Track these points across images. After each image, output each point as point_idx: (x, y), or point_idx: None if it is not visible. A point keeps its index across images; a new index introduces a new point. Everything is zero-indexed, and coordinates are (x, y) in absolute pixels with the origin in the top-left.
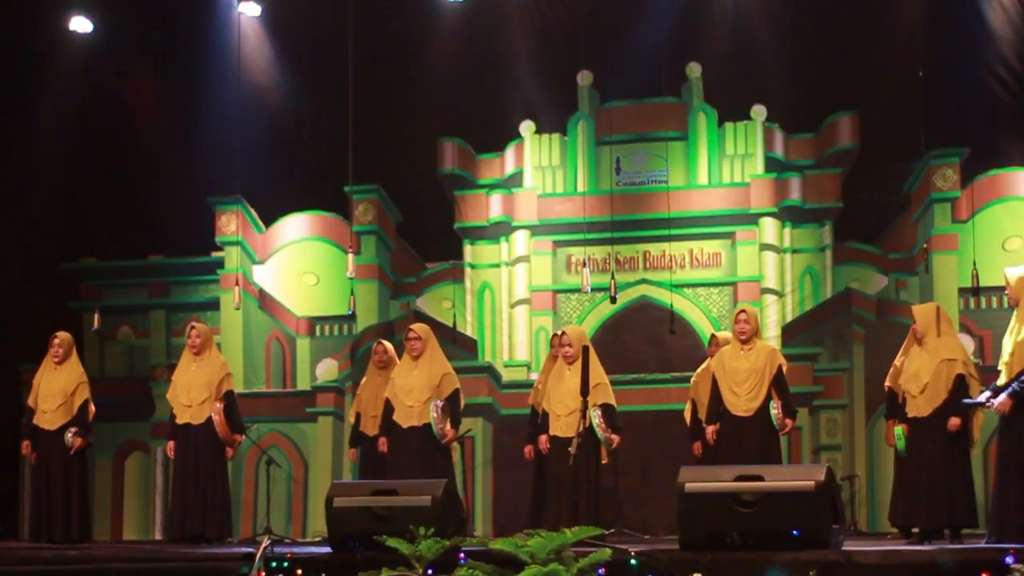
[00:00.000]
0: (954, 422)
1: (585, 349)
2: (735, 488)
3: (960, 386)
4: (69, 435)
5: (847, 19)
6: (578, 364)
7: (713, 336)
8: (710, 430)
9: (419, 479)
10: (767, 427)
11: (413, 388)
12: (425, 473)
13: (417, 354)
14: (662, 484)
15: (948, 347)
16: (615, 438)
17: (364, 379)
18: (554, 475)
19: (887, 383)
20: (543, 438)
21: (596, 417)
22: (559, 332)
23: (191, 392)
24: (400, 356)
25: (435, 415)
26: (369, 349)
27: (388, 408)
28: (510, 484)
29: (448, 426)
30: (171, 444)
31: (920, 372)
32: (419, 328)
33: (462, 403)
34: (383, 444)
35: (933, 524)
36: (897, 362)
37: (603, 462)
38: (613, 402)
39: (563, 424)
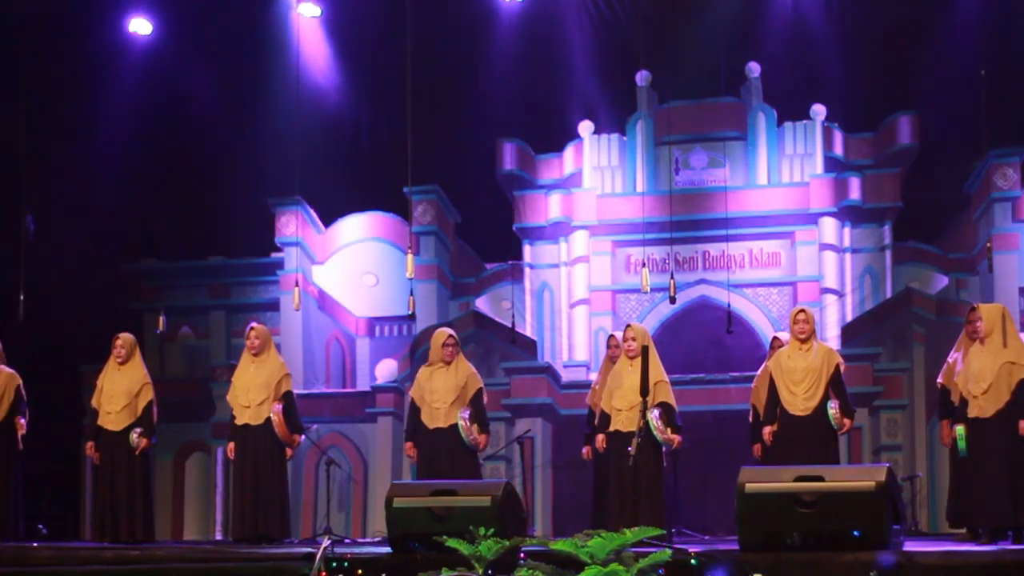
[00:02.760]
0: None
1: (645, 348)
2: (795, 488)
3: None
4: (134, 436)
5: (907, 18)
6: (639, 361)
7: (774, 338)
8: (767, 431)
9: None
10: (825, 427)
11: (438, 390)
12: (452, 475)
13: (450, 359)
14: (722, 484)
15: (1013, 349)
16: (675, 438)
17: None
18: (614, 474)
19: (940, 380)
20: (600, 437)
21: (654, 419)
22: (618, 332)
23: (250, 393)
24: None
25: (463, 424)
26: (426, 351)
27: (414, 410)
28: (570, 484)
29: (478, 433)
30: (231, 445)
31: (983, 372)
32: (455, 334)
33: (485, 398)
34: (409, 448)
35: (997, 524)
36: (950, 360)
37: (663, 460)
38: (672, 401)
39: (624, 419)
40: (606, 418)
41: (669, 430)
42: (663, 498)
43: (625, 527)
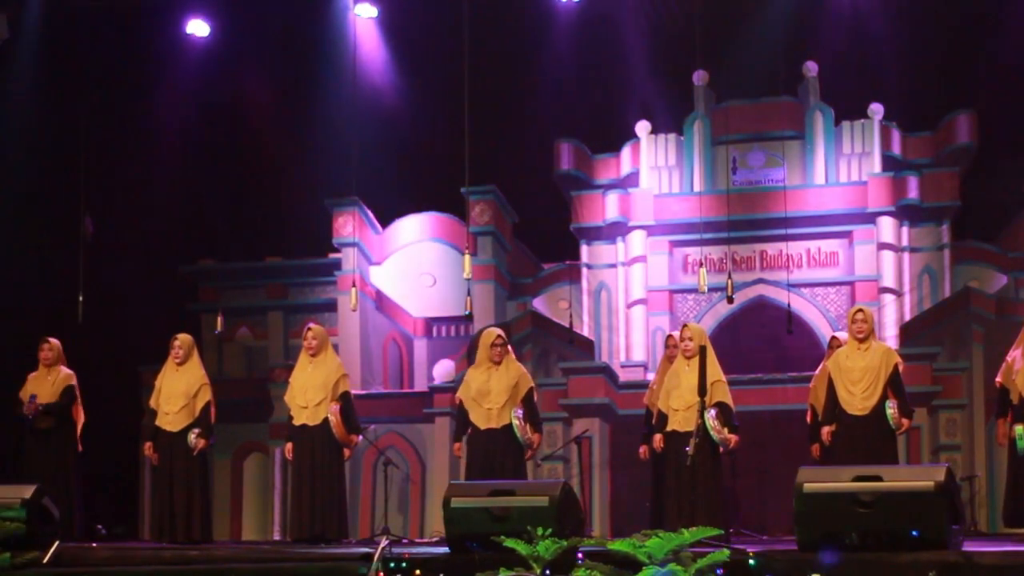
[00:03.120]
0: None
1: (703, 348)
2: (854, 488)
3: None
4: (192, 436)
5: (964, 15)
6: (696, 361)
7: (833, 338)
8: (825, 431)
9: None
10: (883, 426)
11: (492, 391)
12: (504, 476)
13: (500, 360)
14: (780, 484)
15: None
16: (732, 438)
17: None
18: (672, 474)
19: (998, 379)
20: (657, 437)
21: (711, 419)
22: (675, 331)
23: (308, 393)
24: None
25: (518, 423)
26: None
27: (463, 411)
28: (627, 484)
29: (531, 432)
30: (289, 445)
31: None
32: (504, 334)
33: (536, 397)
34: (457, 449)
35: None
36: (1009, 358)
37: (720, 460)
38: (730, 401)
39: (681, 418)
40: (663, 418)
41: (726, 430)
42: (721, 498)
43: (683, 527)
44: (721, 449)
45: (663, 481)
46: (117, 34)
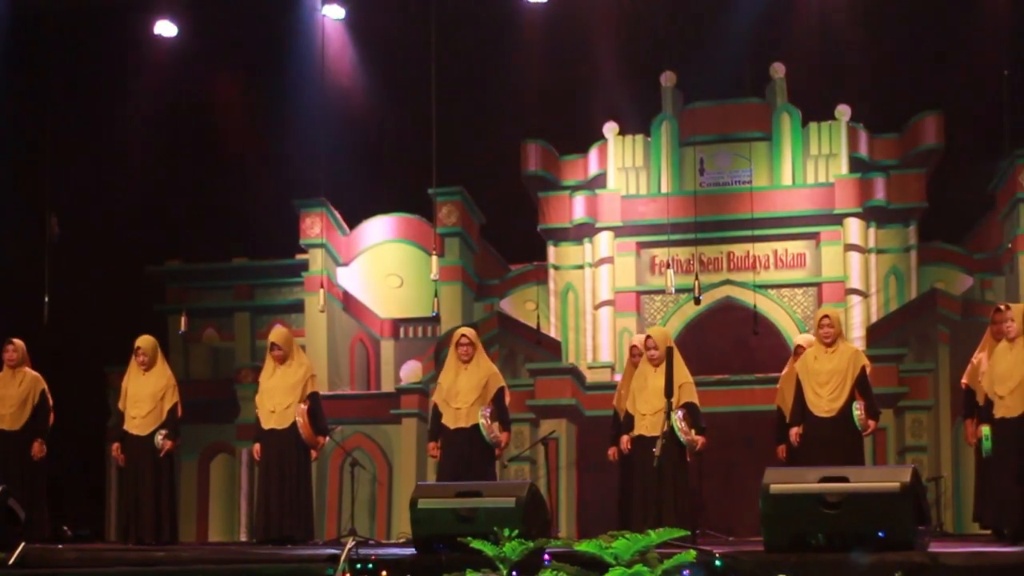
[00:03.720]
0: None
1: (669, 350)
2: (820, 489)
3: None
4: (160, 437)
5: (931, 17)
6: (664, 366)
7: (798, 346)
8: (794, 432)
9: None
10: (850, 428)
11: (460, 391)
12: (473, 476)
13: (468, 359)
14: (746, 485)
15: None
16: (699, 439)
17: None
18: (639, 476)
19: (964, 380)
20: (624, 439)
21: (678, 420)
22: (639, 338)
23: (276, 397)
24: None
25: (484, 422)
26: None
27: (436, 412)
28: (594, 485)
29: (499, 431)
30: (256, 447)
31: (1012, 372)
32: (470, 334)
33: (507, 398)
34: (432, 448)
35: (1022, 525)
36: (974, 360)
37: (687, 461)
38: (697, 401)
39: (648, 423)
40: (630, 420)
41: (693, 431)
42: (688, 500)
43: (650, 528)
44: (688, 451)
45: (630, 483)
46: (84, 34)
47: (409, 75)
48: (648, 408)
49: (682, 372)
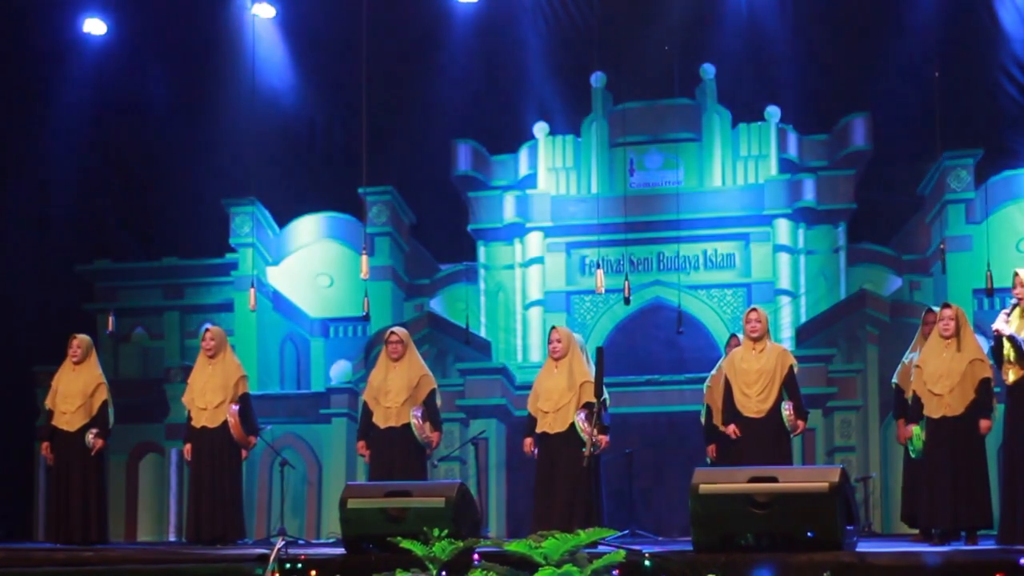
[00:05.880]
0: (986, 424)
1: (574, 349)
2: (749, 490)
3: (986, 388)
4: (90, 436)
5: (861, 20)
6: (566, 361)
7: (732, 336)
8: (730, 428)
9: (397, 480)
10: (779, 428)
11: (391, 390)
12: (403, 475)
13: (397, 357)
14: (676, 486)
15: (973, 348)
16: (602, 438)
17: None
18: (542, 476)
19: (895, 380)
20: (528, 441)
21: (579, 421)
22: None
23: (207, 395)
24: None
25: (416, 423)
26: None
27: (366, 411)
28: (524, 485)
29: (431, 431)
30: (187, 447)
31: (949, 372)
32: (400, 332)
33: (439, 401)
34: (362, 447)
35: (957, 525)
36: (905, 360)
37: (586, 458)
38: (595, 399)
39: (550, 421)
40: (533, 420)
41: (596, 431)
42: (599, 499)
43: (561, 529)
44: (594, 451)
45: (541, 483)
46: (11, 31)
47: (339, 74)
48: (549, 406)
49: (583, 370)
